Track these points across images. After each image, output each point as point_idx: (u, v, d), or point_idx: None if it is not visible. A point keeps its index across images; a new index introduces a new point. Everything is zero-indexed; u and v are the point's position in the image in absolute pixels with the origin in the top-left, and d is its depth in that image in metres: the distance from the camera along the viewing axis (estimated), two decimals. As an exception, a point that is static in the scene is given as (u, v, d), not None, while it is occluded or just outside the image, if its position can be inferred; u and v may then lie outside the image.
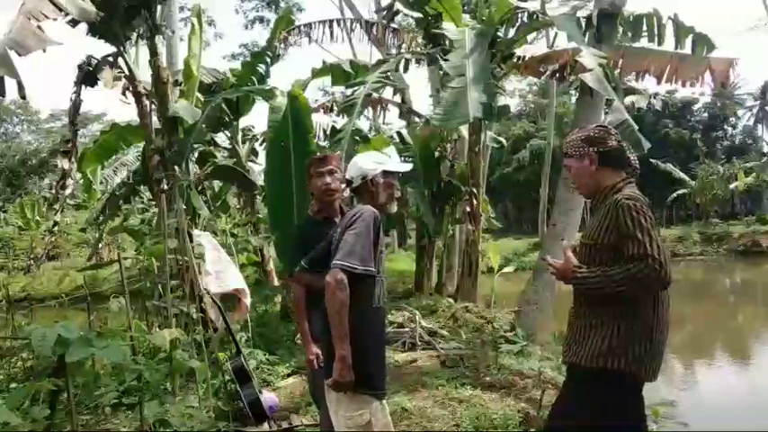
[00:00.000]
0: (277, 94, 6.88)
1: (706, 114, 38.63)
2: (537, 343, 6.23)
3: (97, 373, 3.38)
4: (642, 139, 5.43)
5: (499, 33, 7.55)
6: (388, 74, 6.98)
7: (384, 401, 2.40)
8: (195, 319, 3.97)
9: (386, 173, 2.54)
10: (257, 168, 8.95)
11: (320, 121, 9.61)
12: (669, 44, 6.75)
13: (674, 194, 30.10)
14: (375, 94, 7.54)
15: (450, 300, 8.58)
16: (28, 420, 2.35)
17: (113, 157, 9.95)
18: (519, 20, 7.77)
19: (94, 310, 4.26)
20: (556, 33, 7.51)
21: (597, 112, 6.77)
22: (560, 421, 2.25)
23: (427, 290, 9.47)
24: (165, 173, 5.94)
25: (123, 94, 6.24)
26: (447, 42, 7.13)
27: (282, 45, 8.19)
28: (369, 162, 2.57)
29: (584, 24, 6.76)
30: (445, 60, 6.31)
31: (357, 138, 6.14)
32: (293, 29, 8.62)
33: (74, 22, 5.01)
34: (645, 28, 6.75)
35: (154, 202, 9.45)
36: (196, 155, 7.29)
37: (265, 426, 3.87)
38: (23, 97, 4.08)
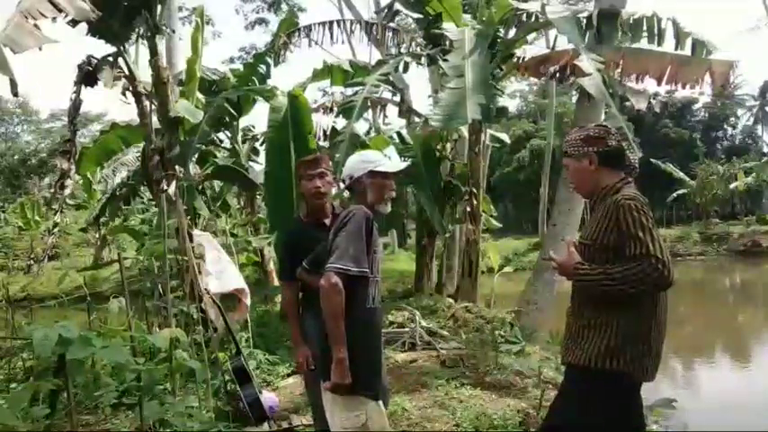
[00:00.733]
0: (277, 94, 6.89)
1: (706, 114, 38.67)
2: (537, 343, 6.23)
3: (97, 373, 3.39)
4: (636, 147, 5.42)
5: (499, 34, 7.55)
6: (389, 75, 6.98)
7: (380, 402, 2.40)
8: (195, 319, 3.97)
9: (374, 173, 2.52)
10: (258, 168, 8.95)
11: (320, 121, 9.61)
12: (669, 45, 6.76)
13: (674, 194, 30.11)
14: (375, 95, 7.55)
15: (451, 300, 8.58)
16: (28, 420, 2.36)
17: (113, 158, 9.94)
18: (519, 20, 7.77)
19: (94, 310, 4.27)
20: (557, 34, 7.49)
21: (597, 114, 6.79)
22: (559, 421, 2.26)
23: (427, 290, 9.46)
24: (165, 173, 5.93)
25: (123, 94, 6.23)
26: (447, 43, 7.13)
27: (283, 50, 8.19)
28: (357, 162, 2.57)
29: (584, 25, 6.77)
30: (445, 61, 6.31)
31: (355, 142, 6.15)
32: (293, 31, 8.62)
33: (74, 22, 5.00)
34: (645, 29, 6.75)
35: (154, 202, 9.45)
36: (196, 155, 7.29)
37: (265, 426, 3.87)
38: (15, 94, 4.08)
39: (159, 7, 5.90)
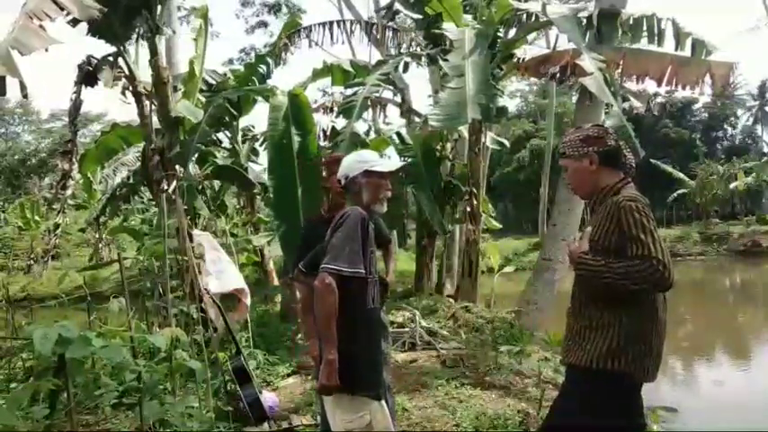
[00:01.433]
0: (277, 93, 6.89)
1: (706, 114, 38.68)
2: (537, 343, 6.23)
3: (97, 373, 3.38)
4: (638, 146, 5.43)
5: (499, 34, 7.55)
6: (389, 75, 6.98)
7: (383, 401, 2.40)
8: (195, 319, 3.97)
9: (369, 172, 2.51)
10: (257, 168, 8.95)
11: (320, 121, 9.61)
12: (669, 45, 6.77)
13: (674, 194, 30.12)
14: (375, 95, 7.55)
15: (451, 300, 8.58)
16: (28, 420, 2.36)
17: (114, 157, 9.95)
18: (519, 20, 7.77)
19: (94, 310, 4.26)
20: (557, 35, 7.50)
21: (597, 114, 6.78)
22: (560, 421, 2.26)
23: (427, 290, 9.46)
24: (165, 173, 5.93)
25: (123, 94, 6.24)
26: (447, 42, 7.13)
27: (284, 51, 8.19)
28: (353, 161, 2.57)
29: (584, 25, 6.77)
30: (445, 61, 6.31)
31: (356, 141, 6.14)
32: (294, 32, 8.63)
33: (74, 22, 5.01)
34: (645, 29, 6.76)
35: (154, 202, 9.44)
36: (196, 155, 7.29)
37: (265, 426, 3.87)
38: (25, 96, 4.09)
39: (159, 7, 5.90)
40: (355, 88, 7.13)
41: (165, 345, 2.80)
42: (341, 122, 7.54)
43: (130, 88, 6.09)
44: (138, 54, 6.37)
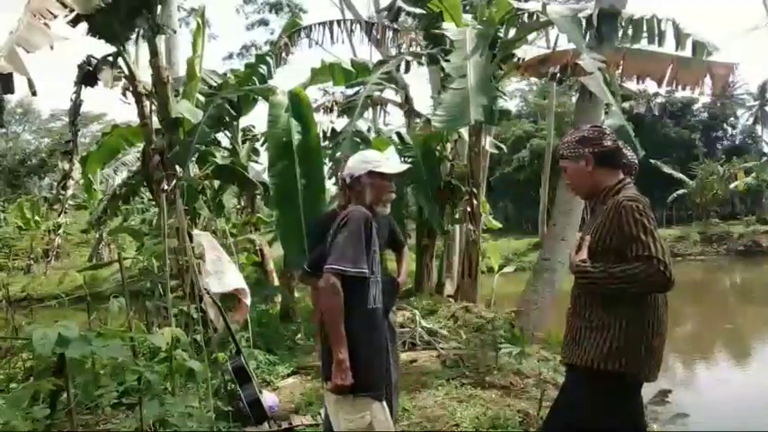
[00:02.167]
0: (277, 93, 6.88)
1: (706, 114, 38.64)
2: (537, 343, 6.23)
3: (97, 373, 3.38)
4: (637, 146, 5.42)
5: (499, 34, 7.55)
6: (390, 74, 6.97)
7: (384, 402, 2.40)
8: (195, 319, 3.97)
9: (373, 173, 2.53)
10: (258, 168, 8.94)
11: (320, 121, 9.60)
12: (669, 46, 6.76)
13: (674, 194, 30.12)
14: (376, 94, 7.54)
15: (451, 300, 8.58)
16: (28, 420, 2.35)
17: (115, 157, 9.95)
18: (519, 20, 7.76)
19: (94, 310, 4.26)
20: (557, 35, 7.49)
21: (597, 114, 6.78)
22: (560, 422, 2.26)
23: (427, 290, 9.46)
24: (165, 173, 5.93)
25: (123, 94, 6.24)
26: (447, 42, 7.13)
27: (284, 51, 8.18)
28: (358, 161, 2.59)
29: (584, 25, 6.76)
30: (446, 61, 6.30)
31: (357, 139, 6.12)
32: (294, 32, 8.62)
33: (74, 23, 5.01)
34: (645, 29, 6.75)
35: (154, 202, 9.44)
36: (196, 155, 7.28)
37: (265, 426, 3.87)
38: (34, 94, 4.11)
39: (159, 7, 5.90)
40: (356, 88, 7.12)
41: (164, 345, 2.80)
42: (341, 123, 7.55)
43: (130, 88, 6.10)
44: (138, 54, 6.38)
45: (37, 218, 21.92)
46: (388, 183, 2.57)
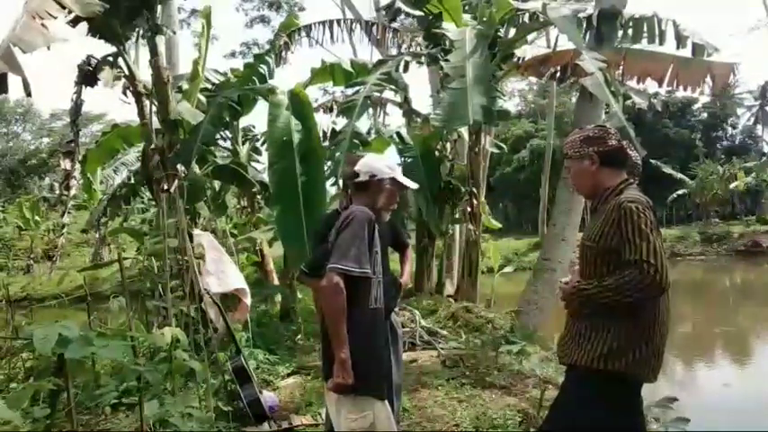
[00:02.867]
0: (277, 92, 6.88)
1: (706, 114, 38.65)
2: (537, 343, 6.23)
3: (97, 373, 3.39)
4: (638, 147, 5.41)
5: (499, 34, 7.55)
6: (390, 73, 6.96)
7: (386, 402, 2.40)
8: (195, 319, 3.97)
9: (395, 181, 2.61)
10: (258, 168, 8.93)
11: (320, 121, 9.59)
12: (670, 46, 6.76)
13: (675, 194, 30.13)
14: (375, 94, 7.53)
15: (451, 300, 8.57)
16: (28, 420, 2.36)
17: (115, 157, 9.96)
18: (519, 20, 7.76)
19: (94, 310, 4.27)
20: (557, 35, 7.49)
21: (597, 114, 6.78)
22: (560, 422, 2.25)
23: (427, 290, 9.45)
24: (165, 173, 5.93)
25: (124, 93, 6.24)
26: (447, 43, 7.12)
27: (284, 51, 8.17)
28: (382, 164, 2.63)
29: (584, 25, 6.76)
30: (446, 61, 6.30)
31: (356, 140, 6.12)
32: (294, 31, 8.60)
33: (74, 23, 5.01)
34: (645, 30, 6.75)
35: (154, 202, 9.44)
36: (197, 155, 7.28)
37: (265, 426, 3.87)
38: (29, 94, 4.10)
39: (159, 7, 5.90)
40: (356, 87, 7.11)
41: (165, 345, 2.80)
42: (341, 123, 7.53)
43: (130, 88, 6.10)
44: (138, 54, 6.38)
45: (37, 218, 21.93)
46: (399, 192, 2.68)
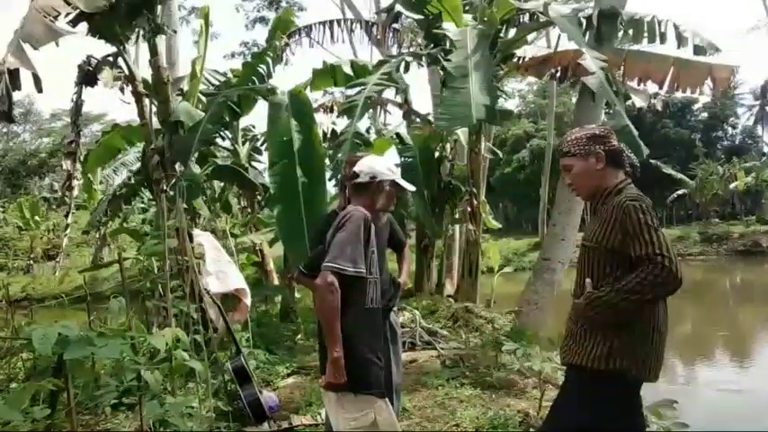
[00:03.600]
0: (278, 93, 6.88)
1: (706, 114, 38.69)
2: (537, 343, 6.22)
3: (97, 373, 3.39)
4: (641, 145, 5.41)
5: (500, 34, 7.54)
6: (390, 74, 6.96)
7: (386, 400, 2.40)
8: (195, 319, 3.97)
9: (395, 183, 2.62)
10: (259, 168, 8.93)
11: (320, 121, 9.58)
12: (670, 46, 6.76)
13: (675, 194, 30.14)
14: (376, 95, 7.52)
15: (451, 300, 8.57)
16: (28, 420, 2.36)
17: (115, 157, 9.96)
18: (520, 20, 7.76)
19: (94, 310, 4.26)
20: (559, 35, 7.48)
21: (597, 114, 6.77)
22: (560, 421, 2.25)
23: (427, 290, 9.45)
24: (164, 173, 5.93)
25: (122, 90, 6.25)
26: (448, 43, 7.12)
27: (284, 51, 8.15)
28: (383, 166, 2.64)
29: (584, 25, 6.75)
30: (447, 61, 6.29)
31: (358, 141, 6.11)
32: (294, 31, 8.58)
33: (74, 23, 5.01)
34: (645, 30, 6.75)
35: (154, 202, 9.44)
36: (196, 155, 7.27)
37: (265, 426, 3.87)
38: (40, 90, 4.13)
39: (159, 7, 5.90)
40: (357, 88, 7.10)
41: (164, 345, 2.80)
42: (341, 123, 7.53)
43: (130, 88, 6.10)
44: (139, 54, 6.38)
45: (37, 218, 21.94)
46: (396, 195, 2.70)
